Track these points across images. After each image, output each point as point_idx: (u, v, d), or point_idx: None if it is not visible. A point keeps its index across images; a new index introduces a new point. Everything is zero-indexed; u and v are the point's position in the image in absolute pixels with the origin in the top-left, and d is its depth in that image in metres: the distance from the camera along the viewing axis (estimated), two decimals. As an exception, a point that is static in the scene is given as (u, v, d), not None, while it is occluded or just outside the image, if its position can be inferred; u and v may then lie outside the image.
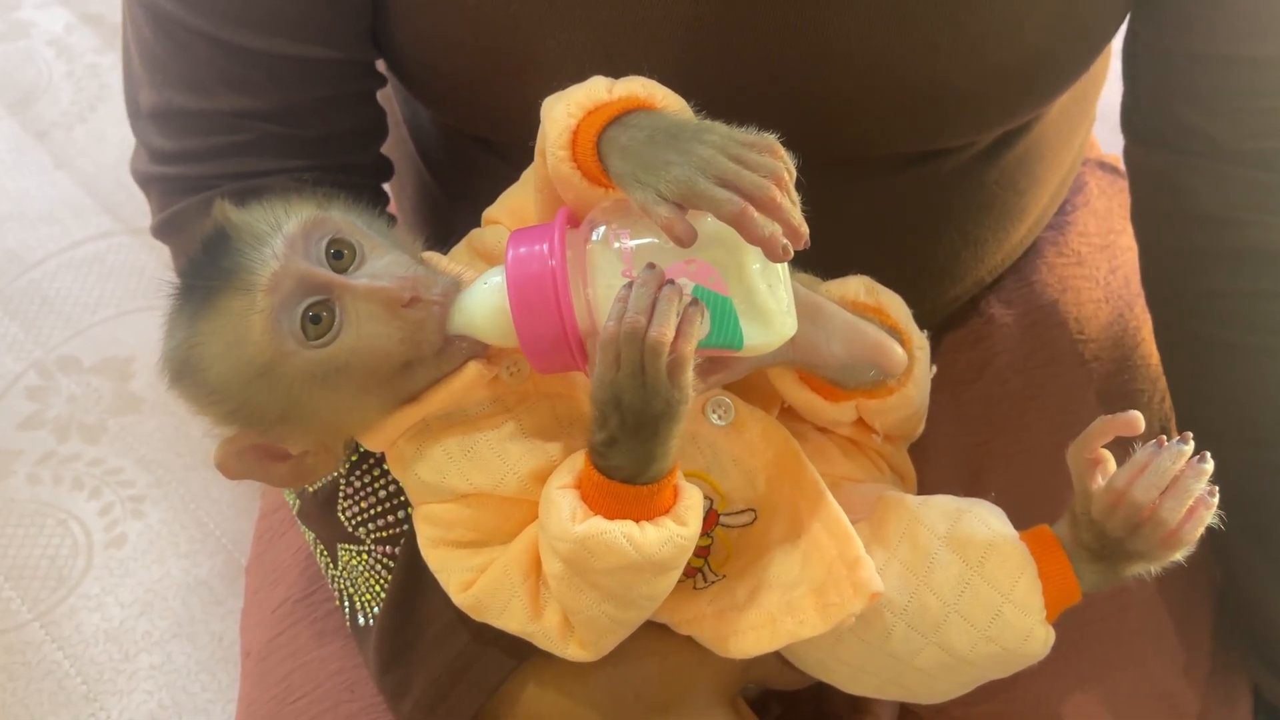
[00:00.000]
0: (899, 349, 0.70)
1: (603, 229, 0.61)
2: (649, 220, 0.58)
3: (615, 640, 0.67)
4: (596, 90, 0.61)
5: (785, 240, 0.56)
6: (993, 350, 0.93)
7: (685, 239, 0.56)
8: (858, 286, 0.73)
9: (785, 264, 0.60)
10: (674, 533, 0.61)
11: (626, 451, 0.60)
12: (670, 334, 0.57)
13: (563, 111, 0.61)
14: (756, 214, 0.56)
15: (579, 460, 0.63)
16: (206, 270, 0.62)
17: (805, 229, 0.57)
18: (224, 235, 0.63)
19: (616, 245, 0.60)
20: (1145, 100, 0.81)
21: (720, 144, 0.57)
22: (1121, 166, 1.04)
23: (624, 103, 0.60)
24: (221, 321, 0.61)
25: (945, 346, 0.94)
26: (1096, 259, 0.98)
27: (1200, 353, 0.81)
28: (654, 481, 0.61)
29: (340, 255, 0.63)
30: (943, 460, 0.89)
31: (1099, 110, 1.00)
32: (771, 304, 0.61)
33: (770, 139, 0.58)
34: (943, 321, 0.93)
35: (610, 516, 0.61)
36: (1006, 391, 0.92)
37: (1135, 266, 0.96)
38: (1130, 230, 0.99)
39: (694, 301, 0.58)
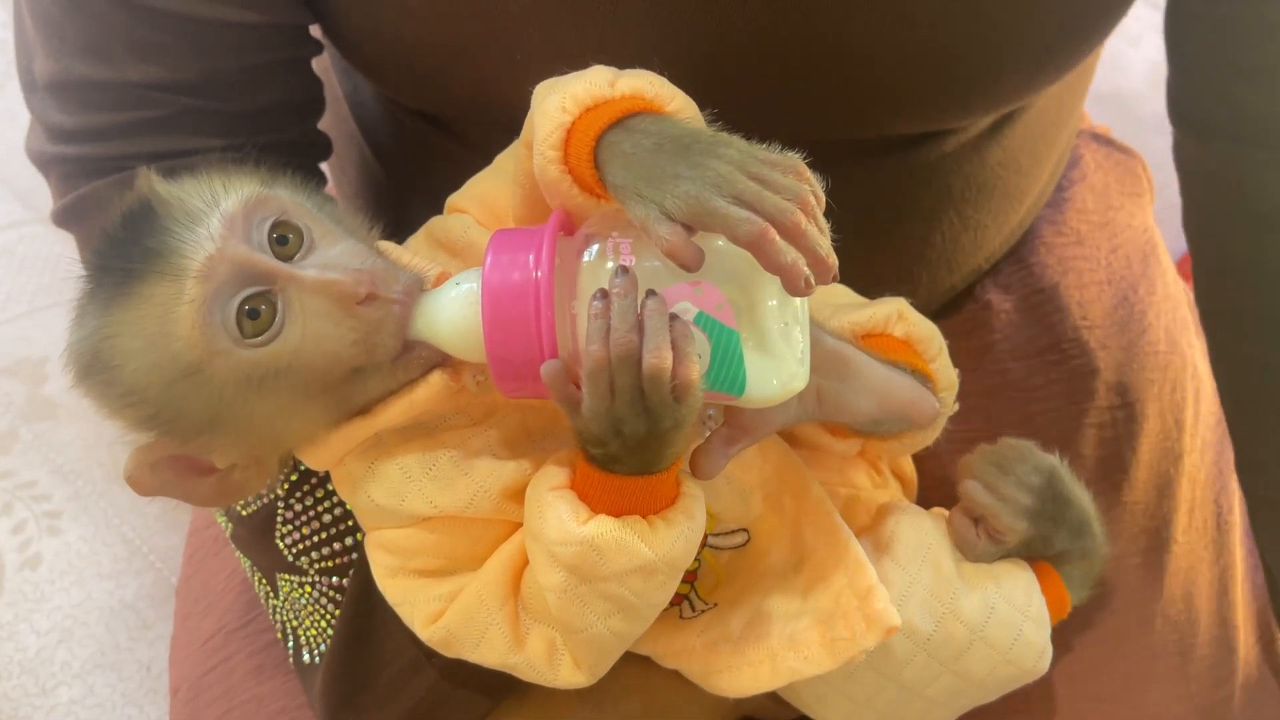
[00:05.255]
0: (931, 401, 0.66)
1: (598, 245, 0.55)
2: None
3: (614, 659, 0.63)
4: (597, 84, 0.56)
5: (808, 271, 0.51)
6: (990, 338, 0.89)
7: (692, 264, 0.51)
8: (890, 312, 0.67)
9: (805, 305, 0.56)
10: (684, 527, 0.57)
11: (631, 462, 0.56)
12: (669, 357, 0.52)
13: (556, 105, 0.55)
14: (778, 237, 0.50)
15: (570, 457, 0.59)
16: (127, 250, 0.56)
17: (834, 261, 0.52)
18: (149, 210, 0.57)
19: (611, 264, 0.54)
20: (1197, 81, 0.73)
21: (739, 160, 0.52)
22: (1115, 138, 1.01)
23: (629, 102, 0.55)
24: (142, 311, 0.55)
25: (939, 334, 0.90)
26: (1097, 238, 0.94)
27: (1265, 381, 0.74)
28: (660, 472, 0.57)
29: (285, 241, 0.57)
30: (939, 457, 0.82)
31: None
32: (783, 347, 0.55)
33: (796, 159, 0.53)
34: (936, 310, 0.89)
35: (616, 514, 0.56)
36: (1007, 381, 0.88)
37: (1136, 245, 0.94)
38: (1129, 206, 0.96)
39: (674, 316, 0.53)
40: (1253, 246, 0.72)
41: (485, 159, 0.66)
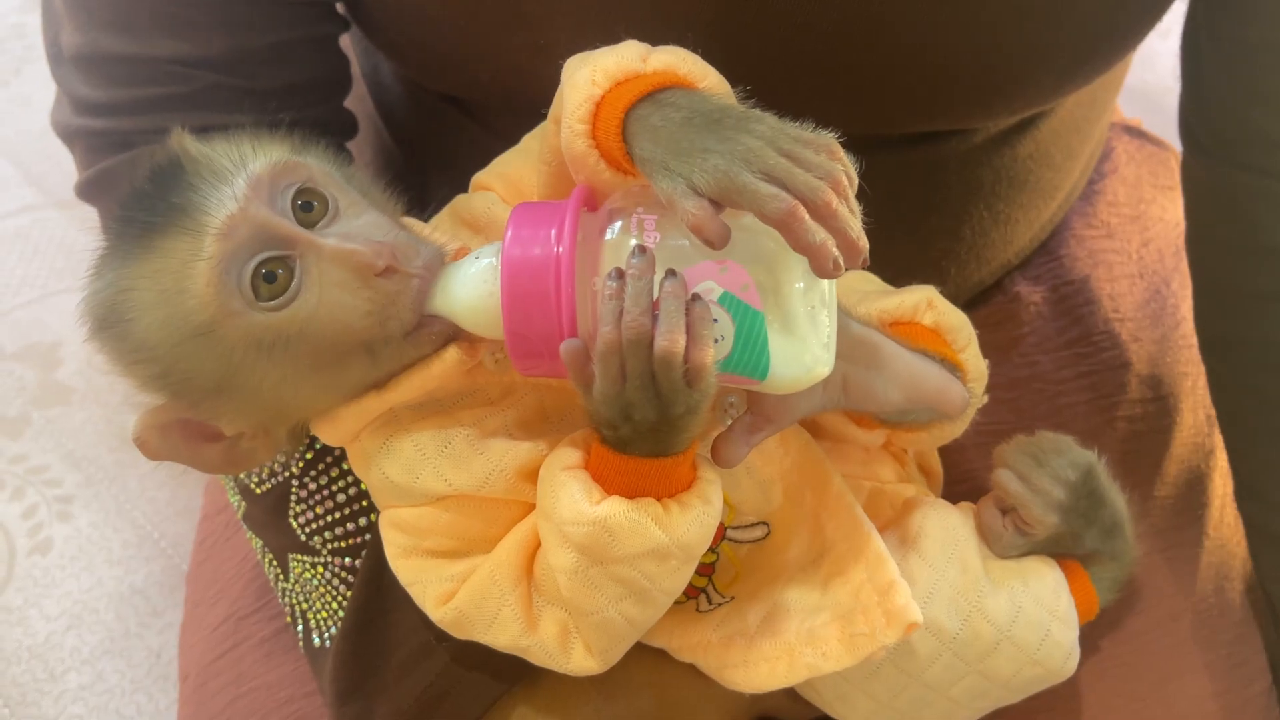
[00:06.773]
0: (961, 392, 0.63)
1: (621, 221, 0.54)
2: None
3: (627, 646, 0.62)
4: (629, 58, 0.54)
5: (837, 253, 0.49)
6: (1019, 330, 0.88)
7: (717, 241, 0.50)
8: (919, 300, 0.65)
9: (833, 289, 0.54)
10: (700, 511, 0.56)
11: (644, 445, 0.55)
12: (681, 341, 0.51)
13: (586, 78, 0.54)
14: (807, 216, 0.49)
15: (585, 438, 0.58)
16: (152, 204, 0.56)
17: (865, 243, 0.50)
18: (178, 167, 0.57)
19: (634, 241, 0.52)
20: (1209, 103, 0.71)
21: (770, 136, 0.51)
22: (1148, 130, 0.99)
23: (660, 77, 0.54)
24: (159, 264, 0.54)
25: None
26: (1128, 231, 0.93)
27: (1263, 412, 0.73)
28: (675, 454, 0.55)
29: (310, 208, 0.56)
30: (965, 451, 0.82)
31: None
32: (809, 331, 0.53)
33: (829, 138, 0.52)
34: (964, 304, 0.86)
35: (630, 495, 0.55)
36: (1035, 374, 0.86)
37: (1169, 238, 0.92)
38: (1162, 200, 0.95)
39: (695, 297, 0.51)
40: (1261, 277, 0.70)
41: (508, 143, 0.65)
